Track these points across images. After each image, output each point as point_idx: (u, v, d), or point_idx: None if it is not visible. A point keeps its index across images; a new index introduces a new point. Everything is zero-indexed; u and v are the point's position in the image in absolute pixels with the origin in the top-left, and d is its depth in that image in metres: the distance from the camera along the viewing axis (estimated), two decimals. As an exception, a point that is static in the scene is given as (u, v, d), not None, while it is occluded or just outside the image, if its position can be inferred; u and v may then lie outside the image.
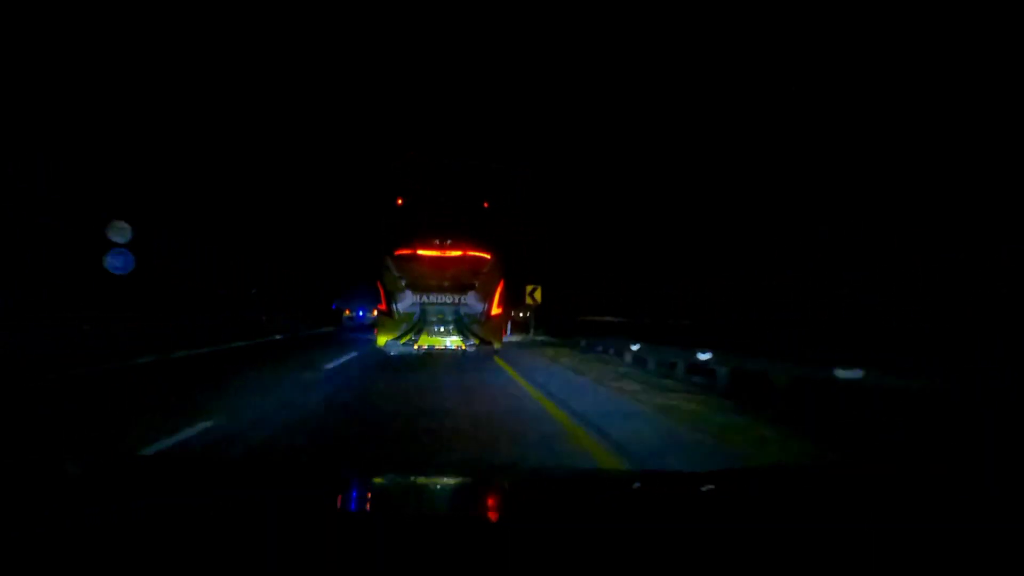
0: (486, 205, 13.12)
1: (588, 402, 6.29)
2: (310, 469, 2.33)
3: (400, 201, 12.83)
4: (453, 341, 11.49)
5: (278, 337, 18.76)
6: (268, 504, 1.10)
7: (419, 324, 11.51)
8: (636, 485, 1.49)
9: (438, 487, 1.51)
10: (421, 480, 1.59)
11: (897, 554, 0.84)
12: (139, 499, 1.11)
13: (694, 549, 0.87)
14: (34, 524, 0.90)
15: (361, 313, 33.24)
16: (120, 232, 12.72)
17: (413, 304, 11.59)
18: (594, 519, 1.07)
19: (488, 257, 12.13)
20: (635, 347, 10.92)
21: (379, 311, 12.13)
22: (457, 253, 12.05)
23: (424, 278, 11.77)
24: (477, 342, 11.45)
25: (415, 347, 11.49)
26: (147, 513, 1.02)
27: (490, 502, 1.30)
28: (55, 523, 0.91)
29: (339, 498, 1.32)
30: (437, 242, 12.15)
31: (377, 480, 1.54)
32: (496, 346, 11.87)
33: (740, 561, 0.83)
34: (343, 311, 34.41)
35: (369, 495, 1.36)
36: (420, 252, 11.93)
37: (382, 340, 11.57)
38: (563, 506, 1.22)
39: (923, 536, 0.90)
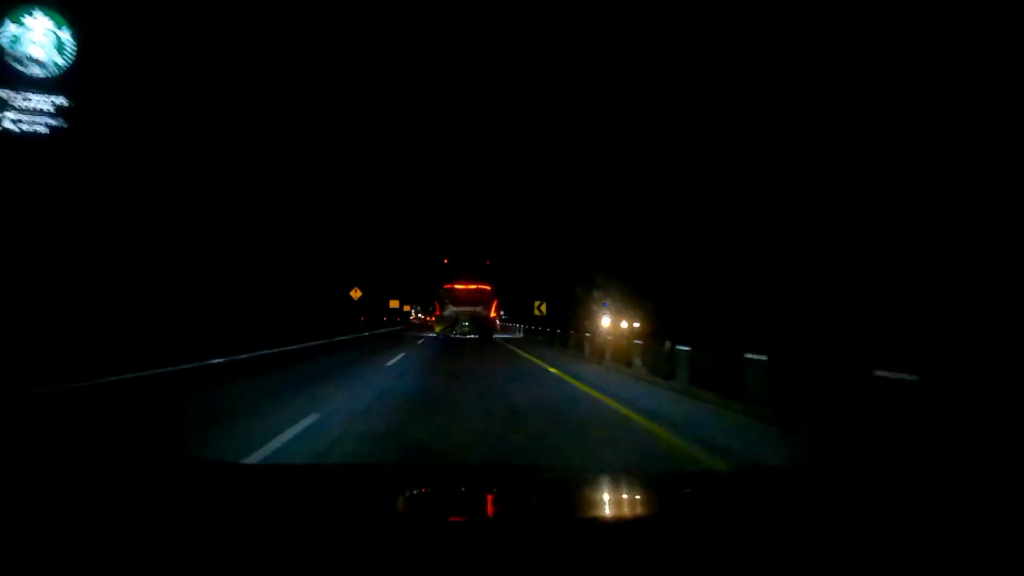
0: (488, 263, 25.47)
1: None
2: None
3: (446, 260, 25.22)
4: (472, 331, 23.44)
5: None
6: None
7: (455, 323, 23.48)
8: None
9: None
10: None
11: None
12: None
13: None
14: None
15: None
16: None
17: (452, 312, 23.60)
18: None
19: (489, 288, 24.15)
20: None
21: (436, 315, 24.18)
22: (474, 286, 24.08)
23: (458, 298, 23.76)
24: (484, 333, 23.39)
25: (453, 335, 23.45)
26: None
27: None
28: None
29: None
30: (464, 281, 24.18)
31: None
32: (495, 335, 23.80)
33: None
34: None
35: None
36: (456, 286, 23.98)
37: (437, 329, 23.60)
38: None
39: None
